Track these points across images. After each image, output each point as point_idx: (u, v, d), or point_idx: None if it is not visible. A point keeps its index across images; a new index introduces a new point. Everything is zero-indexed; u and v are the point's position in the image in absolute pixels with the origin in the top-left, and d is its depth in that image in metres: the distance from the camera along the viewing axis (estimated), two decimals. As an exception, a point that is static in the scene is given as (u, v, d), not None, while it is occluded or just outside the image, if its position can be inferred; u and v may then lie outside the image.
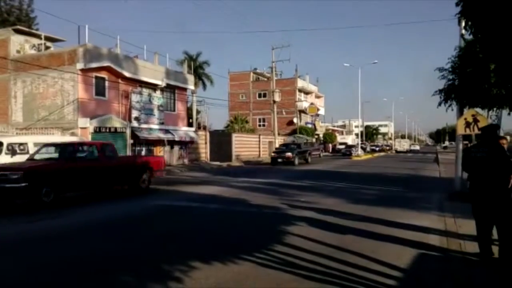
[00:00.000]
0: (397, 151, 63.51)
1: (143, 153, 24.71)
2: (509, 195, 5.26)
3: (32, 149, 13.81)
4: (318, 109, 56.88)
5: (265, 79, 56.06)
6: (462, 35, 11.88)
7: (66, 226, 8.05)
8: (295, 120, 51.79)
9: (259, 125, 54.15)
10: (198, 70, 40.34)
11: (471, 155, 5.63)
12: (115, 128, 22.05)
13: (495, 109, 11.96)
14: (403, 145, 66.79)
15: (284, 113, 50.90)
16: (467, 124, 11.15)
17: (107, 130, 21.58)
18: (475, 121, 11.02)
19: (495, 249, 5.35)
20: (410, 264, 5.36)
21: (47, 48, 24.31)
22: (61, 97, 21.01)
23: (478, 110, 11.63)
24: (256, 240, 6.72)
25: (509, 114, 11.58)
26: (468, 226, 6.83)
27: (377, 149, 65.53)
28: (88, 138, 19.55)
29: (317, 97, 64.25)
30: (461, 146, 13.48)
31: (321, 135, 59.36)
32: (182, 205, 10.70)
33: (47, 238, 7.02)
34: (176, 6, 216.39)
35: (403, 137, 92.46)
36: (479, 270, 5.08)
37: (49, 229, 7.77)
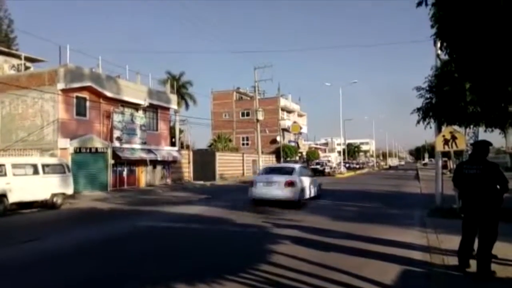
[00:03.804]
0: (390, 167, 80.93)
1: (124, 173, 24.35)
2: (498, 213, 5.36)
3: (9, 171, 13.45)
4: (301, 128, 57.35)
5: (248, 98, 56.43)
6: (438, 55, 12.31)
7: (44, 249, 7.80)
8: (278, 138, 52.01)
9: (243, 144, 54.17)
10: (181, 90, 40.31)
11: (463, 172, 5.62)
12: (96, 149, 21.70)
13: (471, 126, 12.34)
14: (394, 162, 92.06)
15: (267, 131, 51.16)
16: (446, 141, 11.43)
17: (88, 151, 21.21)
18: (453, 138, 11.32)
19: (473, 263, 5.41)
20: (394, 280, 5.37)
21: (27, 68, 24.00)
22: (40, 117, 20.63)
23: (456, 127, 11.97)
24: (240, 260, 6.64)
25: (485, 131, 11.96)
26: (450, 242, 6.92)
27: (347, 165, 57.46)
28: (68, 159, 19.17)
29: (300, 115, 64.90)
30: (440, 163, 13.79)
31: (304, 153, 59.67)
32: (165, 226, 10.52)
33: (29, 263, 6.79)
34: (158, 26, 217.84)
35: (384, 155, 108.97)
36: (460, 285, 5.13)
37: (30, 254, 7.52)
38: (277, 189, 14.17)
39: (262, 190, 14.50)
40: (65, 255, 7.35)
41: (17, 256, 7.29)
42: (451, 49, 5.64)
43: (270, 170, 16.52)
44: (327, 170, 43.73)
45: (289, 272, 5.68)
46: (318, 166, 43.76)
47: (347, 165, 60.13)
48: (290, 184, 14.12)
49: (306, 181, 15.65)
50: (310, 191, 15.91)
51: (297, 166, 16.70)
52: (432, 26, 5.63)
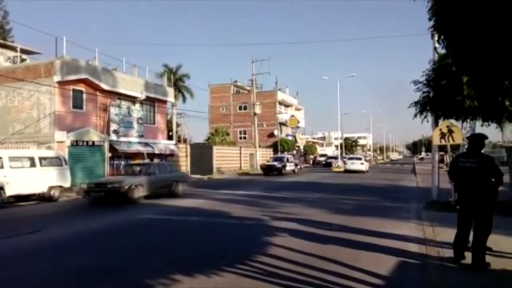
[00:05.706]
0: (391, 160, 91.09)
1: (121, 167, 24.29)
2: (493, 205, 5.41)
3: (6, 164, 13.43)
4: (298, 122, 57.31)
5: (246, 91, 56.25)
6: (435, 49, 12.32)
7: (45, 240, 7.82)
8: (275, 132, 52.02)
9: (240, 138, 54.07)
10: (178, 83, 40.17)
11: (459, 165, 5.63)
12: (93, 142, 21.63)
13: (468, 120, 12.37)
14: (395, 156, 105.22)
15: (264, 125, 51.06)
16: (442, 135, 11.47)
17: (85, 144, 21.14)
18: (450, 132, 11.35)
19: (468, 255, 5.48)
20: (390, 271, 5.43)
21: (23, 60, 23.86)
22: (37, 110, 20.51)
23: (453, 121, 12.01)
24: (238, 252, 6.69)
25: (482, 125, 12.01)
26: (446, 234, 6.98)
27: (323, 160, 53.01)
28: (65, 151, 19.12)
29: (297, 109, 64.87)
30: (437, 157, 13.83)
31: (301, 147, 59.75)
32: (163, 218, 10.56)
33: (30, 252, 6.81)
34: (155, 19, 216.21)
35: (381, 149, 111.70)
36: (456, 276, 5.20)
37: (32, 243, 7.54)
38: (357, 165, 34.67)
39: (350, 166, 34.85)
40: (67, 247, 7.40)
41: (19, 247, 7.30)
42: (448, 42, 5.64)
43: (351, 158, 39.70)
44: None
45: (287, 264, 5.73)
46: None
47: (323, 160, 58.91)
48: (362, 163, 35.18)
49: (366, 163, 37.37)
50: (367, 168, 36.57)
51: (362, 156, 43.82)
52: (429, 19, 5.63)
